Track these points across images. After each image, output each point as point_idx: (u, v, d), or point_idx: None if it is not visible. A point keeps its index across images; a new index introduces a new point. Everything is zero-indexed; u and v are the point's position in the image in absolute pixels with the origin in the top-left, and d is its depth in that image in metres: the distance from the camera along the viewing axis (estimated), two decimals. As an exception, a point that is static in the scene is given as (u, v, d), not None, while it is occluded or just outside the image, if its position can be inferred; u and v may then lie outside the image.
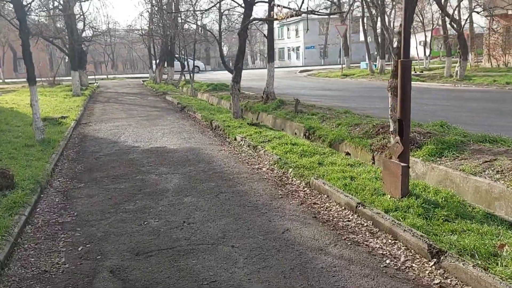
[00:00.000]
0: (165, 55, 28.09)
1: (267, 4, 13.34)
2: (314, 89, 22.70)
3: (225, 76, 37.38)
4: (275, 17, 8.84)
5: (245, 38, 10.74)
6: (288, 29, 74.52)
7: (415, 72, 27.91)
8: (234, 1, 10.98)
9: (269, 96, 14.16)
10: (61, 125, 11.48)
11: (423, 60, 35.48)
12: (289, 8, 8.86)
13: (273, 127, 11.52)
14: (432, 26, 33.63)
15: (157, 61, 28.38)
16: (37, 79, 27.78)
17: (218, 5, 17.29)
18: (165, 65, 27.82)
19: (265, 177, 6.24)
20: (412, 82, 5.06)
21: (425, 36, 35.04)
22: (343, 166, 6.19)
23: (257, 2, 10.58)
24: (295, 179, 5.97)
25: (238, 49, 10.92)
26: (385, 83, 8.32)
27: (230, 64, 29.74)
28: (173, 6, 22.46)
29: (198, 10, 17.10)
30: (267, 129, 9.80)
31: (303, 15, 9.25)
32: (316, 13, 10.05)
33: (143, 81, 33.67)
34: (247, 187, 5.78)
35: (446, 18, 22.80)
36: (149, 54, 31.54)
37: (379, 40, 31.65)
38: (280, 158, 6.79)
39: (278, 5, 8.94)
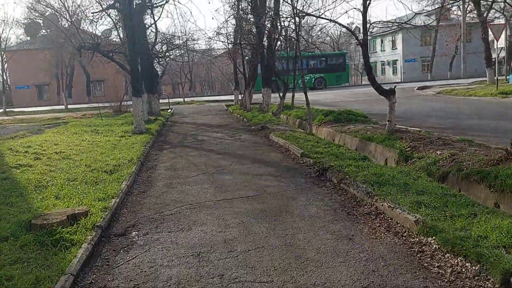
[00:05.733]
0: (257, 72, 21.18)
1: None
2: (499, 119, 13.68)
3: (330, 97, 28.97)
4: None
5: None
6: (382, 41, 65.43)
7: None
8: None
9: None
10: (56, 255, 4.38)
11: None
12: None
13: None
14: None
15: (247, 79, 21.41)
16: (102, 105, 22.03)
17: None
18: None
19: None
20: None
21: None
22: None
23: None
24: None
25: None
26: None
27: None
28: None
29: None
30: None
31: None
32: None
33: (226, 106, 27.04)
34: None
35: None
36: (234, 71, 24.82)
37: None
38: None
39: None
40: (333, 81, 41.32)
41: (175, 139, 13.96)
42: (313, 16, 11.01)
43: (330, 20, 10.68)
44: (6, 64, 40.04)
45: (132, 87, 15.18)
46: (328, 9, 34.36)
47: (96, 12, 16.96)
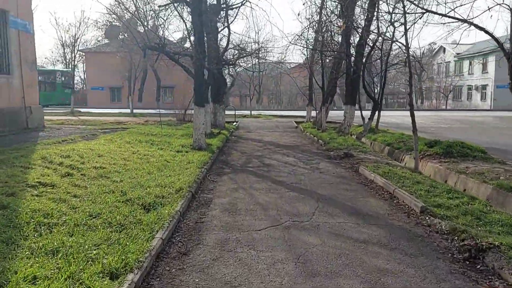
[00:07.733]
0: (335, 87, 18.29)
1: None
2: None
3: (406, 120, 23.09)
4: None
5: None
6: (470, 63, 59.06)
7: None
8: None
9: None
10: None
11: None
12: None
13: None
14: None
15: (324, 94, 18.59)
16: (165, 112, 20.46)
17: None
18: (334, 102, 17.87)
19: None
20: None
21: None
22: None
23: None
24: None
25: None
26: None
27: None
28: None
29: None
30: None
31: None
32: None
33: (296, 122, 24.36)
34: None
35: None
36: (309, 84, 22.13)
37: None
38: None
39: None
40: (41, 101, 36.27)
41: (238, 160, 11.52)
42: (437, 14, 8.03)
43: (464, 21, 7.64)
44: (83, 65, 40.59)
45: (195, 94, 13.04)
46: (461, 5, 25.26)
47: (163, 6, 15.21)
